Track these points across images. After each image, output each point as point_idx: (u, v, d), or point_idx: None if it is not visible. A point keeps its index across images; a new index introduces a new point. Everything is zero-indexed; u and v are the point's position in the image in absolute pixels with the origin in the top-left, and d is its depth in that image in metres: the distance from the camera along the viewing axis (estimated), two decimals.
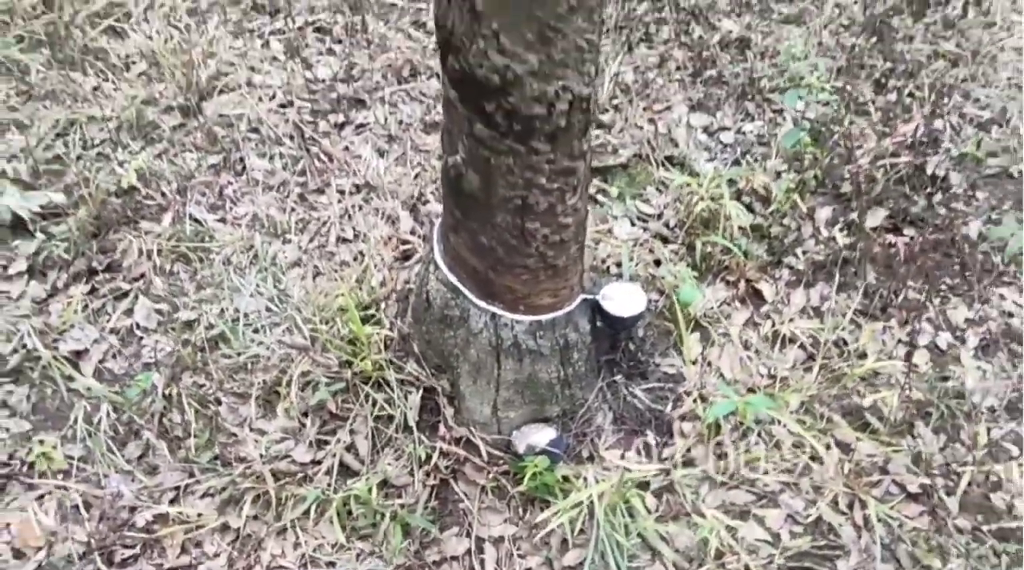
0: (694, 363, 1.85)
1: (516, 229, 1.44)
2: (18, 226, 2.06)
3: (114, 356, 1.83)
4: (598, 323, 1.70)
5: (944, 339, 1.96)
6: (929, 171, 2.33)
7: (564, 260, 1.54)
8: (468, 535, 1.55)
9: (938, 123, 2.54)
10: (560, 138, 1.33)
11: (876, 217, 2.20)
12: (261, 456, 1.60)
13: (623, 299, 1.67)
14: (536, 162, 1.35)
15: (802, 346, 1.92)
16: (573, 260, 1.57)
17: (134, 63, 2.59)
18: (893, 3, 2.96)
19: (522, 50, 1.19)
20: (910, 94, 2.61)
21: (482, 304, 1.57)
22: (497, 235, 1.46)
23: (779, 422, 1.73)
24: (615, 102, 2.53)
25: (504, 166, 1.35)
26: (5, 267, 1.99)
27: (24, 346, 1.81)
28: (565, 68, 1.23)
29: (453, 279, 1.59)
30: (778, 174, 2.30)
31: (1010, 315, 2.02)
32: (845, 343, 1.92)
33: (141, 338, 1.86)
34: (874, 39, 2.75)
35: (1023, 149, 2.39)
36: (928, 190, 2.29)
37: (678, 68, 2.70)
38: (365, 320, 1.75)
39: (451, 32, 1.24)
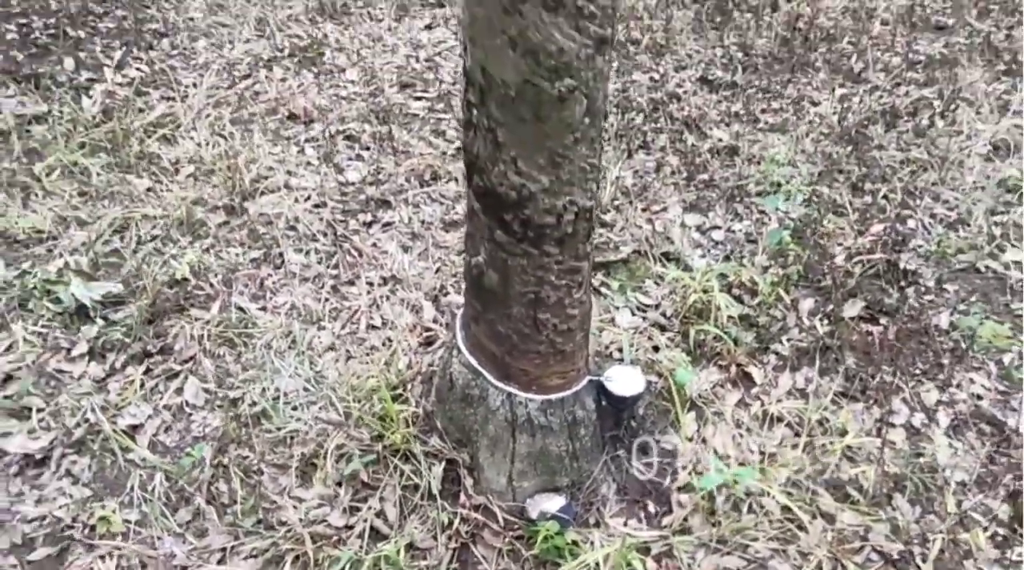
0: (690, 440, 2.04)
1: (529, 319, 1.67)
2: (81, 313, 2.29)
3: (167, 430, 2.03)
4: (603, 402, 1.90)
5: (918, 418, 2.15)
6: (902, 266, 2.57)
7: (571, 346, 1.76)
8: None
9: (910, 222, 2.80)
10: (567, 242, 1.57)
11: (854, 308, 2.42)
12: (300, 520, 1.78)
13: (625, 381, 1.88)
14: (547, 263, 1.58)
15: (789, 425, 2.11)
16: (579, 346, 1.79)
17: (183, 167, 2.87)
18: (867, 115, 3.27)
19: (536, 172, 1.44)
20: (884, 196, 2.88)
21: (499, 385, 1.78)
22: (513, 325, 1.69)
23: (768, 494, 1.90)
24: (616, 203, 2.79)
25: (519, 266, 1.59)
26: (69, 350, 2.21)
27: (87, 420, 2.01)
28: (571, 186, 1.48)
29: (474, 363, 1.81)
30: (764, 269, 2.54)
31: (979, 397, 2.21)
32: (828, 422, 2.11)
33: (191, 414, 2.06)
34: (850, 148, 3.04)
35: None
36: (901, 284, 2.52)
37: (673, 173, 2.98)
38: (394, 399, 1.95)
39: (477, 157, 1.50)
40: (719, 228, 2.76)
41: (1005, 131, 3.23)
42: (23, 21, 3.50)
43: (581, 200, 1.52)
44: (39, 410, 2.04)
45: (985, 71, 3.70)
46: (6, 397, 2.06)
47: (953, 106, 3.34)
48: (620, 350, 2.22)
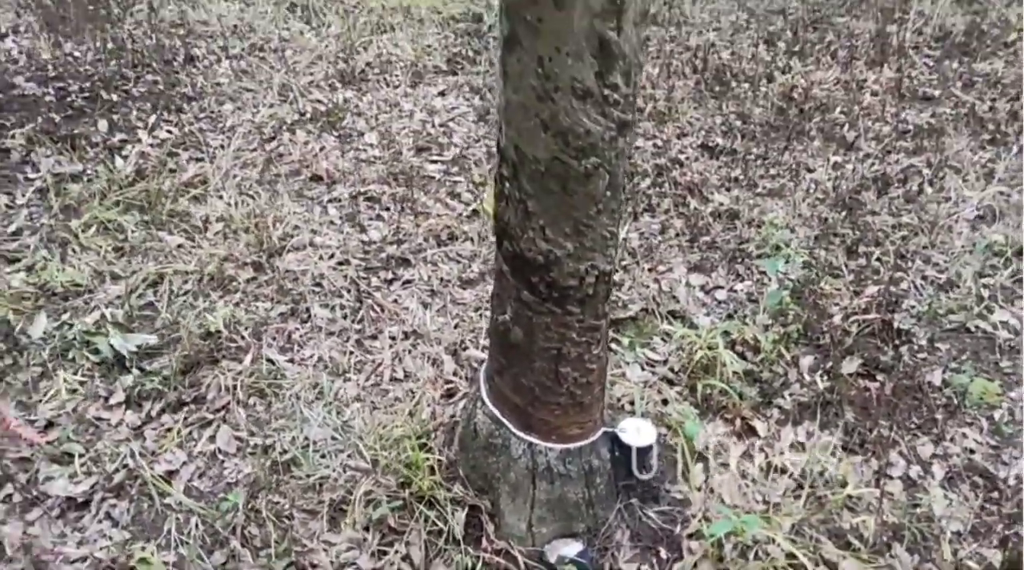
0: (698, 490, 2.15)
1: (551, 373, 1.80)
2: (118, 362, 2.41)
3: (201, 476, 2.13)
4: (617, 452, 2.02)
5: (915, 471, 2.26)
6: (896, 326, 2.71)
7: (589, 398, 1.88)
8: None
9: (903, 284, 2.95)
10: (588, 303, 1.71)
11: (852, 365, 2.55)
12: (331, 563, 1.87)
13: (637, 432, 2.00)
14: (569, 321, 1.72)
15: (792, 476, 2.22)
16: (597, 398, 1.91)
17: (212, 225, 3.02)
18: (860, 181, 3.45)
19: (562, 239, 1.59)
20: (878, 259, 3.04)
21: (521, 434, 1.90)
22: (536, 378, 1.82)
23: (774, 541, 2.00)
24: (624, 264, 2.94)
25: (544, 324, 1.73)
26: (107, 398, 2.32)
27: (125, 466, 2.12)
28: (594, 252, 1.63)
29: (497, 413, 1.93)
30: (766, 327, 2.68)
31: (971, 451, 2.32)
32: (828, 473, 2.22)
33: (223, 461, 2.17)
34: (844, 213, 3.21)
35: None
36: (896, 342, 2.66)
37: (677, 235, 3.14)
38: (418, 448, 2.07)
39: (508, 224, 1.64)
40: (722, 288, 2.90)
41: (991, 198, 3.41)
42: (60, 85, 3.69)
43: (602, 264, 1.66)
44: (80, 455, 2.14)
45: (971, 140, 3.90)
46: (48, 443, 2.16)
47: (941, 174, 3.53)
48: (632, 403, 2.34)
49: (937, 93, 4.36)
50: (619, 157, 1.53)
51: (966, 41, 4.95)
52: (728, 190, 3.44)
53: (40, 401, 2.29)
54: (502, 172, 1.60)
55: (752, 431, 2.35)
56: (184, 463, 2.15)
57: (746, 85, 4.27)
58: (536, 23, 1.35)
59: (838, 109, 4.05)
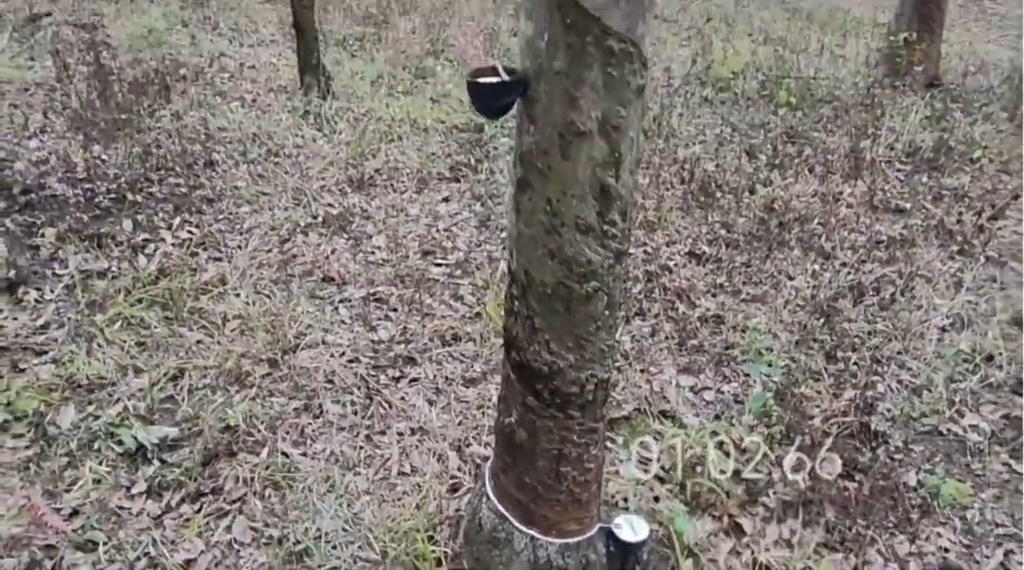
0: None
1: (553, 472, 1.96)
2: (140, 453, 2.55)
3: (218, 565, 2.24)
4: (611, 547, 2.15)
5: (892, 568, 2.40)
6: (873, 428, 2.88)
7: (587, 495, 2.04)
8: None
9: (879, 387, 3.14)
10: (588, 408, 1.89)
11: (832, 466, 2.71)
12: None
13: (631, 528, 2.14)
14: (570, 424, 1.89)
15: None
16: (594, 495, 2.07)
17: (230, 321, 3.21)
18: (837, 289, 3.69)
19: (565, 352, 1.78)
20: (855, 363, 3.24)
21: (524, 529, 2.04)
22: (538, 476, 1.97)
23: None
24: (617, 365, 3.13)
25: (546, 427, 1.90)
26: (129, 488, 2.45)
27: (147, 554, 2.23)
28: (593, 363, 1.82)
29: (501, 508, 2.08)
30: (751, 428, 2.85)
31: (945, 550, 2.47)
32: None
33: (239, 550, 2.28)
34: (823, 320, 3.44)
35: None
36: (873, 444, 2.83)
37: (667, 338, 3.34)
38: (425, 541, 2.20)
39: (516, 337, 1.84)
40: (710, 389, 3.08)
41: (960, 306, 3.65)
42: (89, 186, 3.93)
43: (601, 373, 1.85)
44: (103, 543, 2.25)
45: (940, 251, 4.17)
46: (74, 531, 2.28)
47: (912, 283, 3.78)
48: (626, 499, 2.48)
49: (908, 205, 4.67)
50: (616, 281, 1.74)
51: (934, 157, 5.30)
52: (714, 296, 3.67)
53: (66, 490, 2.42)
54: (512, 292, 1.81)
55: (739, 528, 2.49)
56: (202, 552, 2.26)
57: (730, 196, 4.56)
58: (546, 170, 1.58)
59: (816, 220, 4.33)
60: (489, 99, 1.58)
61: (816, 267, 3.96)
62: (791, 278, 3.85)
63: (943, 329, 3.52)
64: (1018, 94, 6.26)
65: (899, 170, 5.19)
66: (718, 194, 4.58)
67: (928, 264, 4.01)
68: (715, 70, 6.56)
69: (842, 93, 6.30)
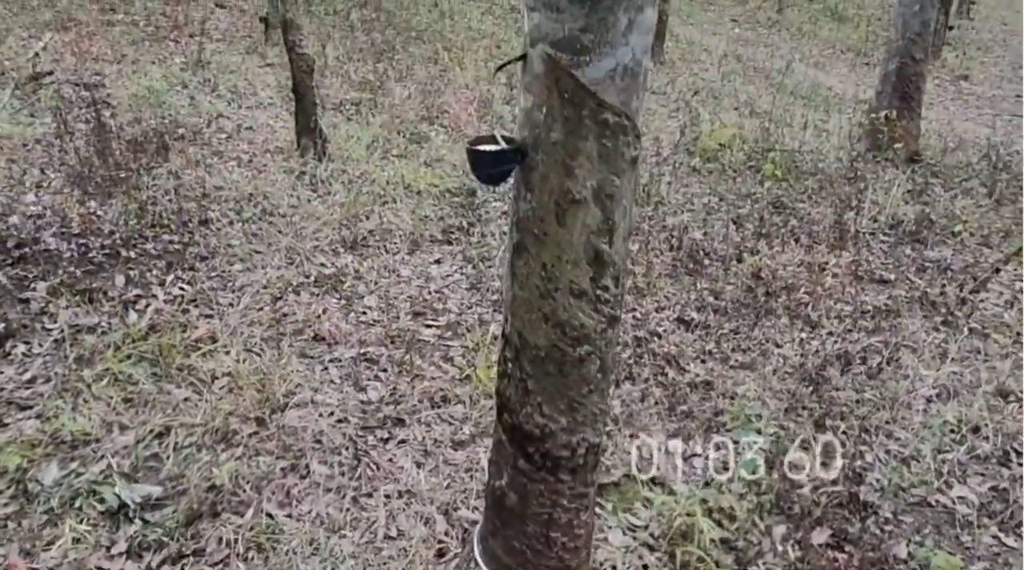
0: None
1: (543, 537, 1.94)
2: (121, 512, 2.51)
3: None
4: None
5: None
6: (862, 498, 2.88)
7: (576, 562, 2.02)
8: None
9: (868, 456, 3.14)
10: (579, 472, 1.89)
11: (821, 536, 2.69)
12: None
13: None
14: (560, 488, 1.89)
15: None
16: (583, 561, 2.05)
17: (219, 379, 3.19)
18: (825, 358, 3.73)
19: (557, 415, 1.79)
20: (843, 432, 3.25)
21: None
22: (527, 541, 1.96)
23: None
24: (608, 430, 3.12)
25: (537, 490, 1.89)
26: (108, 548, 2.40)
27: None
28: (585, 426, 1.83)
29: None
30: (740, 495, 2.83)
31: None
32: None
33: None
34: (811, 388, 3.46)
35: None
36: (862, 514, 2.82)
37: (656, 403, 3.35)
38: None
39: (509, 399, 1.85)
40: (699, 455, 3.07)
41: (946, 377, 3.68)
42: (83, 241, 3.95)
43: (592, 437, 1.86)
44: None
45: (924, 321, 4.23)
46: None
47: (898, 353, 3.82)
48: (614, 568, 2.45)
49: (892, 277, 4.75)
50: (609, 345, 1.76)
51: (917, 230, 5.42)
52: (703, 362, 3.69)
53: (44, 548, 2.37)
54: (505, 354, 1.83)
55: None
56: None
57: (718, 263, 4.63)
58: (542, 236, 1.62)
59: (802, 289, 4.38)
60: (488, 166, 1.62)
61: (803, 335, 4.00)
62: (779, 346, 3.88)
63: (929, 399, 3.54)
64: (994, 170, 6.45)
65: (883, 241, 5.29)
66: (706, 261, 4.65)
67: (913, 334, 4.06)
68: (703, 141, 6.72)
69: (826, 166, 6.45)
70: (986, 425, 3.34)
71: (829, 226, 5.23)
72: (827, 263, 4.76)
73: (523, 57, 1.52)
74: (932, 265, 4.95)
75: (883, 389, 3.55)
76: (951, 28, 12.50)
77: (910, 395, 3.54)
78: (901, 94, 6.75)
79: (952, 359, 3.87)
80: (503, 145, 1.58)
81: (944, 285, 4.61)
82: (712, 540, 2.58)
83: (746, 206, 5.62)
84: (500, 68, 1.69)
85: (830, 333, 4.01)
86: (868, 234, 5.31)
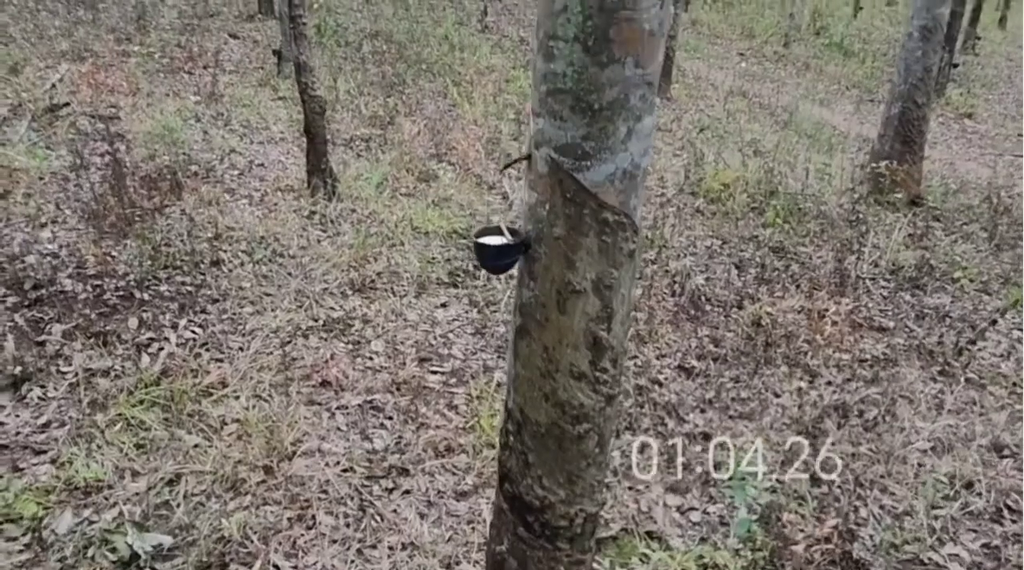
0: None
1: None
2: (132, 561, 2.58)
3: None
4: None
5: None
6: (855, 556, 2.93)
7: None
8: None
9: (862, 511, 3.20)
10: (576, 540, 1.96)
11: None
12: None
13: None
14: (558, 556, 1.96)
15: None
16: None
17: (228, 425, 3.27)
18: (823, 410, 3.79)
19: (556, 487, 1.87)
20: (839, 486, 3.30)
21: None
22: None
23: None
24: (607, 482, 3.19)
25: (536, 557, 1.96)
26: None
27: None
28: (583, 498, 1.90)
29: None
30: (736, 552, 2.90)
31: None
32: None
33: None
34: (808, 441, 3.52)
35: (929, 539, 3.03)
36: None
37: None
38: None
39: (510, 470, 1.93)
40: (696, 509, 3.14)
41: (941, 430, 3.74)
42: (98, 283, 4.05)
43: (590, 508, 1.93)
44: None
45: (922, 371, 4.29)
46: None
47: (894, 405, 3.88)
48: None
49: (891, 324, 4.82)
50: (608, 422, 1.84)
51: (917, 275, 5.49)
52: (703, 411, 3.76)
53: None
54: (508, 427, 1.91)
55: None
56: None
57: (719, 309, 4.71)
58: (543, 321, 1.71)
59: (802, 337, 4.46)
60: (493, 259, 1.71)
61: (803, 384, 4.07)
62: (777, 395, 3.95)
63: (924, 452, 3.60)
64: (995, 214, 6.53)
65: (883, 287, 5.36)
66: (708, 308, 4.73)
67: (910, 385, 4.12)
68: (707, 182, 6.82)
69: (828, 209, 6.54)
70: (979, 480, 3.40)
71: (830, 272, 5.31)
72: (827, 310, 4.83)
73: (528, 157, 1.61)
74: (931, 312, 5.02)
75: (879, 442, 3.61)
76: (955, 66, 12.62)
77: (906, 448, 3.59)
78: (903, 138, 6.85)
79: (948, 411, 3.93)
80: (508, 237, 1.67)
81: (942, 334, 4.68)
82: None
83: (748, 249, 5.70)
84: (506, 167, 1.79)
85: (828, 383, 4.08)
86: (868, 279, 5.39)
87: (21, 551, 2.60)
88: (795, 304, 4.84)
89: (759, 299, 4.81)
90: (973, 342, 4.60)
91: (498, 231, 1.68)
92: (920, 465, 3.48)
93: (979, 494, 3.34)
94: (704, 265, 5.35)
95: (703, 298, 4.83)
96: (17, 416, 3.18)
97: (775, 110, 10.50)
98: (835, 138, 9.27)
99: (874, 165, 6.78)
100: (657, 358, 4.18)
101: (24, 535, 2.63)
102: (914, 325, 4.84)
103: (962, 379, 4.25)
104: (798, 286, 5.13)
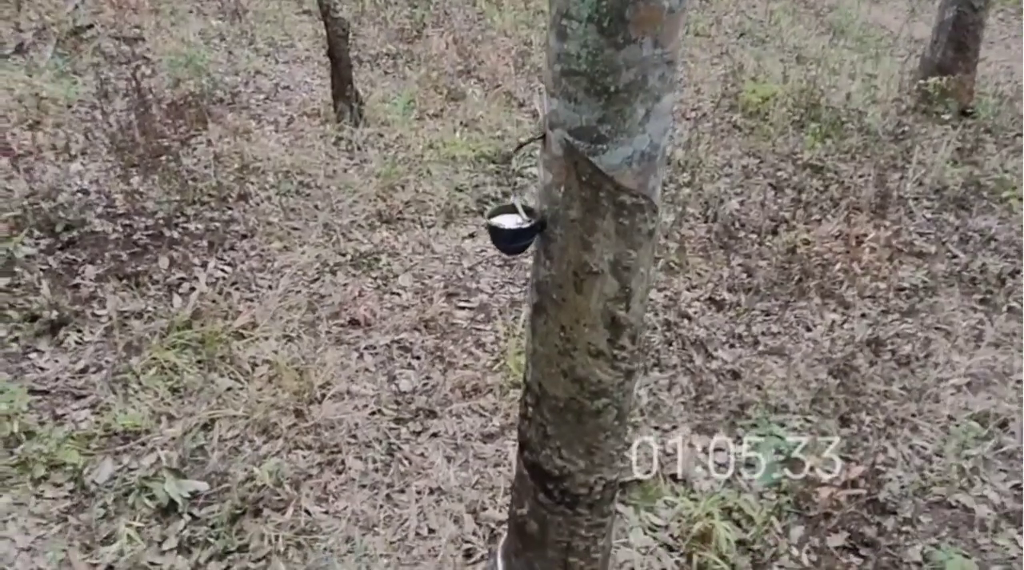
0: None
1: (561, 562, 2.05)
2: (171, 508, 2.68)
3: None
4: None
5: None
6: (881, 499, 2.94)
7: None
8: None
9: (891, 452, 3.18)
10: (596, 506, 1.97)
11: (837, 539, 2.77)
12: None
13: None
14: (578, 520, 1.98)
15: None
16: None
17: (259, 367, 3.33)
18: (856, 345, 3.72)
19: (575, 458, 1.87)
20: (867, 426, 3.28)
21: None
22: (547, 564, 2.06)
23: None
24: (633, 421, 3.20)
25: (556, 521, 1.99)
26: (160, 543, 2.58)
27: None
28: (602, 467, 1.90)
29: None
30: (760, 495, 2.91)
31: None
32: None
33: None
34: (838, 379, 3.48)
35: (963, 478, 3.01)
36: (880, 517, 2.88)
37: (683, 392, 3.41)
38: None
39: (529, 440, 1.93)
40: (722, 450, 3.14)
41: (978, 364, 3.67)
42: (127, 222, 4.07)
43: (609, 476, 1.93)
44: None
45: (963, 300, 4.18)
46: None
47: (930, 339, 3.79)
48: (633, 569, 2.57)
49: (932, 249, 4.66)
50: (626, 396, 1.82)
51: (963, 194, 5.28)
52: (732, 347, 3.72)
53: (102, 543, 2.56)
54: (527, 400, 1.90)
55: None
56: None
57: (754, 236, 4.59)
58: (560, 301, 1.66)
59: (838, 265, 4.34)
60: (508, 241, 1.66)
61: (836, 317, 3.99)
62: (809, 329, 3.89)
63: (959, 389, 3.54)
64: None
65: (926, 208, 5.17)
66: (741, 234, 4.61)
67: (949, 316, 4.02)
68: (745, 95, 6.54)
69: (872, 121, 6.25)
70: (1014, 419, 3.35)
71: (871, 193, 5.11)
72: (865, 235, 4.68)
73: (543, 136, 1.53)
74: (975, 235, 4.85)
75: (912, 379, 3.55)
76: None
77: (939, 385, 3.54)
78: (956, 45, 6.45)
79: (987, 343, 3.84)
80: (523, 216, 1.60)
81: (985, 261, 4.52)
82: (729, 542, 2.67)
83: (786, 169, 5.51)
84: (519, 149, 1.70)
85: (863, 315, 4.00)
86: (912, 199, 5.19)
87: (66, 497, 2.71)
88: (832, 229, 4.70)
89: (795, 225, 4.67)
90: (1019, 271, 4.44)
91: (513, 209, 1.61)
92: (954, 403, 3.43)
93: (1012, 433, 3.29)
94: (739, 187, 5.19)
95: (737, 224, 4.71)
96: (56, 361, 3.26)
97: (820, 10, 9.94)
98: (884, 41, 8.77)
99: (922, 81, 6.42)
100: (688, 289, 4.12)
101: (68, 482, 2.74)
102: (956, 250, 4.68)
103: (1004, 309, 4.14)
104: (837, 208, 4.97)
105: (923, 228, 4.91)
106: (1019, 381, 3.59)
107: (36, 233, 3.87)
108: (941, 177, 5.47)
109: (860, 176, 5.46)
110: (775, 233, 4.62)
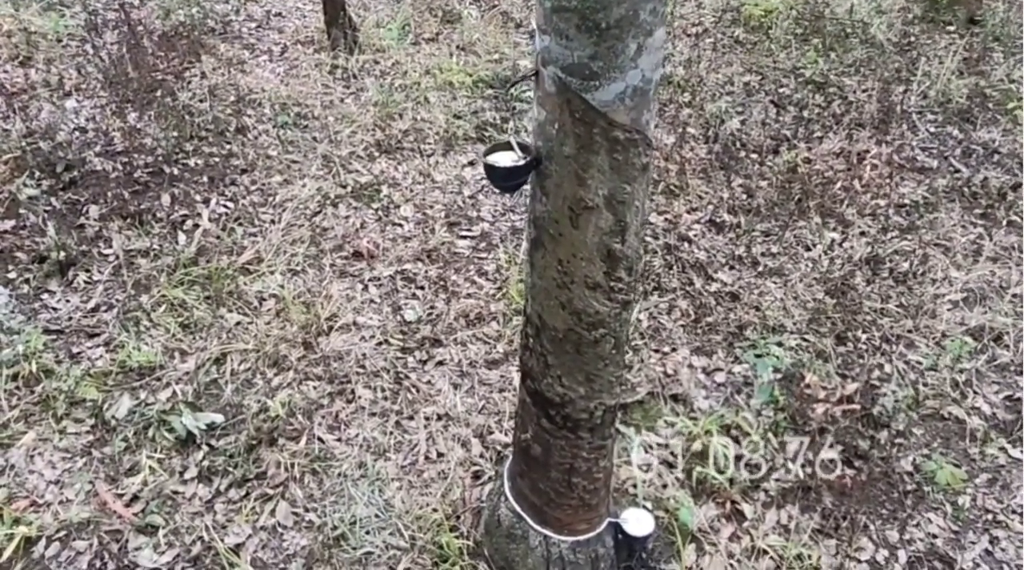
0: (689, 569, 2.49)
1: (565, 482, 2.15)
2: (190, 439, 2.79)
3: (264, 547, 2.50)
4: (620, 537, 2.36)
5: (881, 555, 2.59)
6: (875, 412, 3.03)
7: (596, 500, 2.23)
8: None
9: (887, 368, 3.26)
10: (597, 430, 2.05)
11: (832, 452, 2.87)
12: None
13: (638, 522, 2.34)
14: (580, 443, 2.07)
15: (772, 558, 2.55)
16: (602, 499, 2.26)
17: (266, 301, 3.39)
18: (854, 263, 3.76)
19: (575, 385, 1.94)
20: (863, 344, 3.35)
21: (538, 528, 2.25)
22: (551, 484, 2.16)
23: None
24: (634, 344, 3.28)
25: (559, 445, 2.07)
26: (181, 473, 2.70)
27: (200, 538, 2.49)
28: (601, 393, 1.97)
29: (518, 508, 2.28)
30: (758, 412, 3.01)
31: (934, 536, 2.65)
32: (805, 557, 2.55)
33: (282, 534, 2.54)
34: (835, 299, 3.53)
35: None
36: (873, 430, 2.98)
37: (682, 315, 3.47)
38: (449, 530, 2.42)
39: (530, 369, 1.99)
40: (721, 370, 3.23)
41: (975, 280, 3.71)
42: (126, 160, 4.07)
43: (608, 401, 2.01)
44: (162, 527, 2.52)
45: (963, 214, 4.19)
46: (135, 515, 2.55)
47: (929, 255, 3.82)
48: (634, 486, 2.68)
49: (934, 164, 4.64)
50: (623, 325, 1.87)
51: (968, 106, 5.21)
52: (731, 268, 3.76)
53: (126, 474, 2.68)
54: (527, 331, 1.95)
55: (740, 514, 2.68)
56: (249, 536, 2.52)
57: (755, 155, 4.57)
58: (557, 235, 1.70)
59: (839, 184, 4.34)
60: (504, 179, 1.68)
61: (835, 235, 4.01)
62: (808, 249, 3.91)
63: (955, 304, 3.59)
64: None
65: (930, 121, 5.11)
66: (742, 154, 4.59)
67: (948, 231, 4.04)
68: (747, 8, 6.38)
69: (877, 31, 6.11)
70: (1008, 333, 3.41)
71: (874, 108, 5.05)
72: (867, 152, 4.66)
73: (536, 74, 1.53)
74: (978, 148, 4.81)
75: (909, 296, 3.60)
76: None
77: (936, 300, 3.59)
78: None
79: (986, 257, 3.87)
80: (519, 155, 1.62)
81: (987, 174, 4.50)
82: (727, 458, 2.77)
83: (789, 85, 5.43)
84: (511, 86, 1.70)
85: (862, 233, 4.01)
86: (915, 113, 5.13)
87: (89, 432, 2.82)
88: (834, 147, 4.67)
89: (796, 144, 4.64)
90: (1020, 184, 4.43)
91: (508, 146, 1.63)
92: (949, 319, 3.49)
93: (1007, 347, 3.36)
94: (740, 106, 5.13)
95: (738, 144, 4.68)
96: (67, 301, 3.33)
97: None
98: None
99: None
100: (688, 212, 4.14)
101: (89, 418, 2.85)
102: (959, 164, 4.65)
103: (1004, 222, 4.15)
104: (839, 124, 4.92)
105: (926, 143, 4.87)
106: (1016, 295, 3.63)
107: (37, 174, 3.88)
108: (946, 89, 5.38)
109: (864, 91, 5.38)
110: (776, 152, 4.59)
